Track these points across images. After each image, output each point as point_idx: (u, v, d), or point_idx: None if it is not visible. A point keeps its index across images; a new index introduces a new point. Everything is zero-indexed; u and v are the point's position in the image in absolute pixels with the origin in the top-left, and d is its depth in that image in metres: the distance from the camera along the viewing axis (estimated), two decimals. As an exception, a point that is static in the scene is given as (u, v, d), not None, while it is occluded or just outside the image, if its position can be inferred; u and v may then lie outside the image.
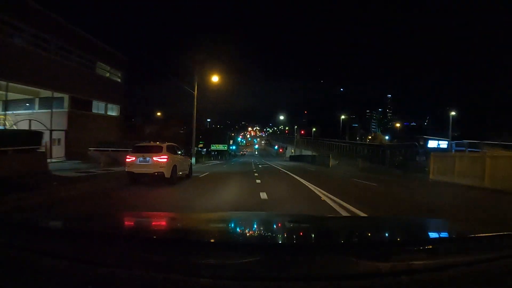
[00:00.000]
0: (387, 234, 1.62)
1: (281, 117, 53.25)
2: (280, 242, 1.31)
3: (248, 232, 1.54)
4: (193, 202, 6.33)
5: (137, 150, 9.21)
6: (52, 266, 0.94)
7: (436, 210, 6.00)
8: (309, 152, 49.46)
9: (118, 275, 0.87)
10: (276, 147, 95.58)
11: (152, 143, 10.22)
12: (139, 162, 8.81)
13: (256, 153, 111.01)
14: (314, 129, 51.01)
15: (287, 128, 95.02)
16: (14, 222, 1.38)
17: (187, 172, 11.25)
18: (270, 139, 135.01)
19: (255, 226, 1.72)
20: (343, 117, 40.72)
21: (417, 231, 1.61)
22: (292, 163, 38.48)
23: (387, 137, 72.09)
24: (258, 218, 2.14)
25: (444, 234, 1.57)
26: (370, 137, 76.59)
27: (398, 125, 79.71)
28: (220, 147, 52.82)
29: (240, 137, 73.84)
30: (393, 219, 2.44)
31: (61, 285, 0.89)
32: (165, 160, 8.81)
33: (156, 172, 8.66)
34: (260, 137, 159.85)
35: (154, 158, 8.74)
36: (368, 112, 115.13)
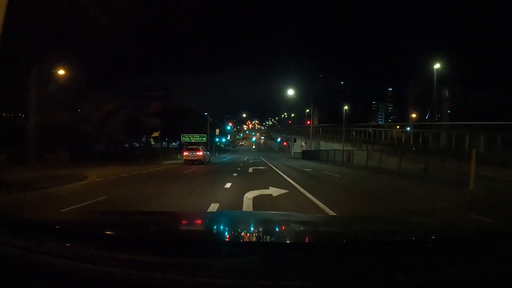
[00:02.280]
0: (383, 234, 1.49)
1: (291, 92, 33.64)
2: (277, 241, 1.30)
3: (245, 231, 1.53)
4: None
5: (189, 150, 21.20)
6: (50, 265, 0.93)
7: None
8: (335, 146, 31.03)
9: (115, 275, 0.87)
10: (278, 139, 76.65)
11: (194, 146, 22.50)
12: (190, 155, 20.24)
13: (254, 147, 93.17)
14: (345, 107, 31.87)
15: (293, 115, 75.54)
16: (10, 220, 1.35)
17: (208, 160, 23.01)
18: (270, 132, 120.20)
19: (252, 225, 1.71)
20: (438, 67, 18.49)
21: (413, 231, 1.53)
22: (322, 168, 19.94)
23: (408, 128, 55.26)
24: (254, 217, 2.14)
25: (440, 234, 1.43)
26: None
27: (414, 115, 63.71)
28: (196, 138, 34.53)
29: (230, 124, 54.02)
30: (389, 219, 2.36)
31: (58, 284, 0.89)
32: (201, 154, 20.36)
33: (197, 159, 19.98)
34: (259, 130, 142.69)
35: (196, 153, 20.29)
36: (374, 104, 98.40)
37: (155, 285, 0.83)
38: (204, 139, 35.41)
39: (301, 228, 1.64)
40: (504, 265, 0.94)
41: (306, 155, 37.75)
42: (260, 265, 0.88)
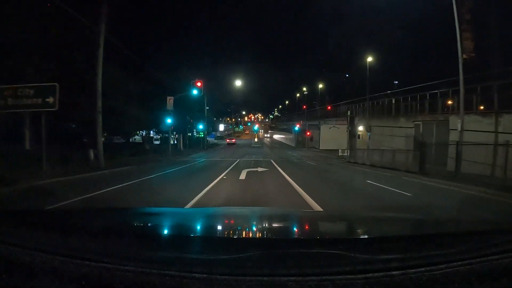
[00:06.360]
0: (379, 230, 1.52)
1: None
2: (274, 237, 1.29)
3: (242, 227, 1.54)
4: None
5: (229, 138, 61.00)
6: (46, 263, 0.92)
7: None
8: None
9: (112, 272, 0.86)
10: (296, 127, 47.63)
11: (232, 137, 65.73)
12: (230, 141, 55.99)
13: (256, 140, 65.82)
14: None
15: (320, 85, 48.74)
16: (6, 218, 1.32)
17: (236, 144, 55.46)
18: (276, 122, 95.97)
19: (249, 221, 1.71)
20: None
21: (410, 228, 1.56)
22: None
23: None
24: (251, 213, 2.14)
25: (437, 231, 1.42)
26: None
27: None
28: None
29: (199, 85, 27.20)
30: (385, 216, 2.28)
31: (55, 281, 0.88)
32: (234, 140, 58.50)
33: (234, 143, 53.76)
34: (263, 123, 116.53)
35: (233, 140, 56.84)
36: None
37: (151, 281, 0.82)
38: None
39: (298, 224, 1.65)
40: (501, 261, 0.93)
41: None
42: (257, 261, 0.88)
